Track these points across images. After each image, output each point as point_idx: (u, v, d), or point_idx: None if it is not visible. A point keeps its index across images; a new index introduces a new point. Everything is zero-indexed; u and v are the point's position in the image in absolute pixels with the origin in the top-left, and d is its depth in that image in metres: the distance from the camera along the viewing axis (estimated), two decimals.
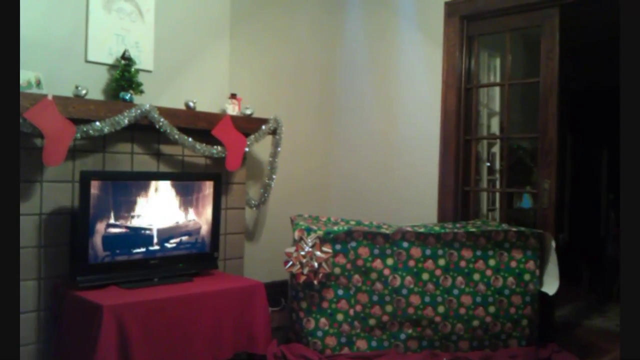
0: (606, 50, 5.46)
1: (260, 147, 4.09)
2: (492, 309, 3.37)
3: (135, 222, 3.23)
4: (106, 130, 3.09)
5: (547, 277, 3.41)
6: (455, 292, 3.37)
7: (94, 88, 3.27)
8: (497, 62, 4.53)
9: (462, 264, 3.38)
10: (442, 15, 4.03)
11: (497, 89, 4.59)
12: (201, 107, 3.64)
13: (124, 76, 3.31)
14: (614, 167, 6.51)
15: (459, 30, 3.98)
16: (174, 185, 3.40)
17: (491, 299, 3.37)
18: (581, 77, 5.18)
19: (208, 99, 3.79)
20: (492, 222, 3.80)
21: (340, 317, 3.32)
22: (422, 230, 3.36)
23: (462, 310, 3.37)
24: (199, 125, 3.56)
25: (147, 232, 3.28)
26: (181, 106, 3.55)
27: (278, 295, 3.94)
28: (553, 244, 3.38)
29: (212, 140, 3.61)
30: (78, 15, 3.27)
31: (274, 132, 4.01)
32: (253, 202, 4.10)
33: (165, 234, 3.36)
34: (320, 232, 3.30)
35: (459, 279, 3.37)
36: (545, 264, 3.43)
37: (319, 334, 3.33)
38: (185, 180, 3.49)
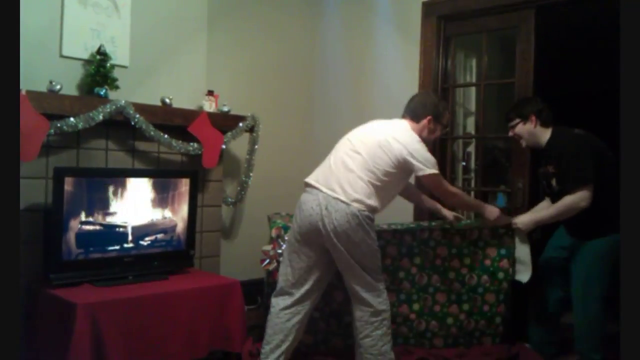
0: (584, 54, 5.54)
1: (237, 145, 4.08)
2: (466, 307, 3.40)
3: (109, 220, 3.19)
4: (80, 126, 3.05)
5: (520, 265, 3.39)
6: (431, 290, 3.39)
7: (69, 83, 3.23)
8: (474, 62, 4.56)
9: (438, 261, 3.40)
10: (420, 15, 4.06)
11: (473, 89, 4.62)
12: (178, 103, 3.62)
13: (99, 71, 3.27)
14: None
15: (436, 31, 4.01)
16: (149, 183, 3.37)
17: (465, 297, 3.41)
18: (559, 81, 5.24)
19: (185, 96, 3.77)
20: (467, 221, 3.83)
21: (316, 314, 3.32)
22: (398, 228, 3.38)
23: (437, 308, 3.39)
24: (175, 122, 3.54)
25: (122, 229, 3.25)
26: (157, 102, 3.52)
27: (254, 294, 3.93)
28: (525, 234, 3.36)
29: (189, 137, 3.59)
30: (53, 9, 3.22)
31: (251, 130, 4.00)
32: (230, 199, 4.09)
33: (140, 232, 3.33)
34: None
35: (435, 276, 3.39)
36: (518, 251, 3.39)
37: None
38: (161, 177, 3.46)
